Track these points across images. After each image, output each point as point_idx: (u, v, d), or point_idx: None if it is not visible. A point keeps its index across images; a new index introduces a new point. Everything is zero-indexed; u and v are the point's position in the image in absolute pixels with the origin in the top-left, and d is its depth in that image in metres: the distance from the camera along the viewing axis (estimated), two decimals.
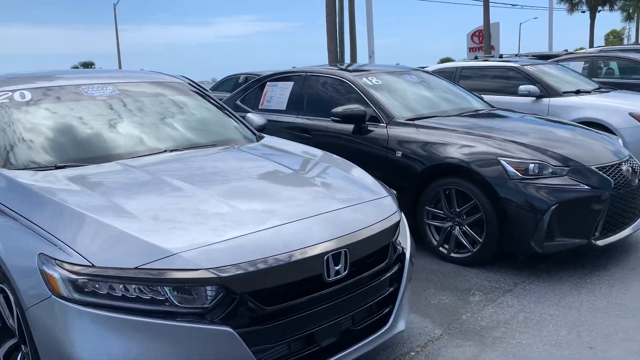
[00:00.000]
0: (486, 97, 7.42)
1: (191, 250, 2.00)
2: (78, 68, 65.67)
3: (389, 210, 2.62)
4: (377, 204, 2.63)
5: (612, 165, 3.96)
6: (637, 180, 4.06)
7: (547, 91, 6.98)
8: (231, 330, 1.97)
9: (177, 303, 1.97)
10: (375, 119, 4.66)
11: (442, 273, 3.95)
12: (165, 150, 3.07)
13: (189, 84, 4.10)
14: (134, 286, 1.95)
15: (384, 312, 2.51)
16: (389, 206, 2.65)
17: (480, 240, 3.93)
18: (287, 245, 2.12)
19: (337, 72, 5.17)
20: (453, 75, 7.99)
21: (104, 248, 2.01)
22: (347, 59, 25.56)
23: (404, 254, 2.64)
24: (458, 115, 4.83)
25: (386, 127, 4.55)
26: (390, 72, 5.36)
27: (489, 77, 7.71)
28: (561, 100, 6.85)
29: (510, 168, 3.79)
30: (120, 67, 45.36)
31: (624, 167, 4.01)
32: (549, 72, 7.51)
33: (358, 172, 3.02)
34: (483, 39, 25.61)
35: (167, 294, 1.97)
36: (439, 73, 8.17)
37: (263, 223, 2.20)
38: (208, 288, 2.00)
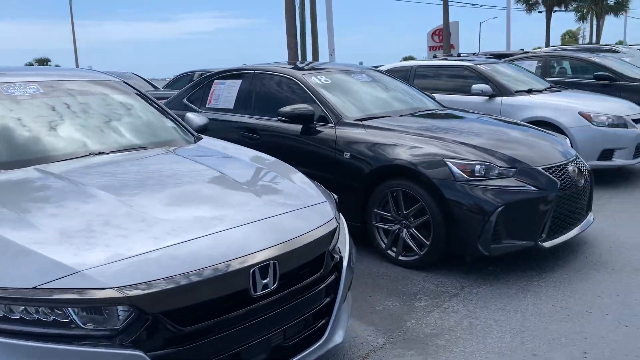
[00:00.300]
0: (441, 97, 7.42)
1: (98, 267, 1.83)
2: (32, 65, 63.66)
3: (326, 216, 2.49)
4: (313, 210, 2.50)
5: (558, 166, 3.94)
6: (582, 181, 4.05)
7: (500, 90, 7.00)
8: (142, 354, 1.80)
9: (82, 325, 1.79)
10: (323, 119, 4.54)
11: (390, 277, 3.86)
12: (90, 154, 2.87)
13: (124, 82, 3.88)
14: (33, 308, 1.76)
15: (319, 325, 2.38)
16: (326, 212, 2.52)
17: (428, 243, 3.85)
18: (208, 259, 1.97)
19: (286, 71, 5.02)
20: (408, 75, 7.96)
21: None
22: (310, 57, 25.41)
23: (341, 262, 2.51)
24: (409, 115, 4.75)
25: (334, 128, 4.43)
26: (341, 71, 5.25)
27: (444, 77, 7.70)
28: (513, 100, 6.88)
29: (456, 169, 3.72)
30: (77, 63, 44.04)
31: (570, 168, 3.99)
32: (502, 72, 7.54)
33: (296, 176, 2.88)
34: (443, 38, 25.89)
35: (72, 316, 1.79)
36: (394, 72, 8.15)
37: (182, 235, 2.04)
38: (119, 308, 1.83)
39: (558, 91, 7.38)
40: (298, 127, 4.59)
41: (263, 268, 2.07)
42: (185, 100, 5.92)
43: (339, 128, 4.41)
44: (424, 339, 3.01)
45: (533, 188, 3.71)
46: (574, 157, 4.17)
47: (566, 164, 4.00)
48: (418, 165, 3.84)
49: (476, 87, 6.97)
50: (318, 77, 4.91)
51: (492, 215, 3.58)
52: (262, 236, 2.15)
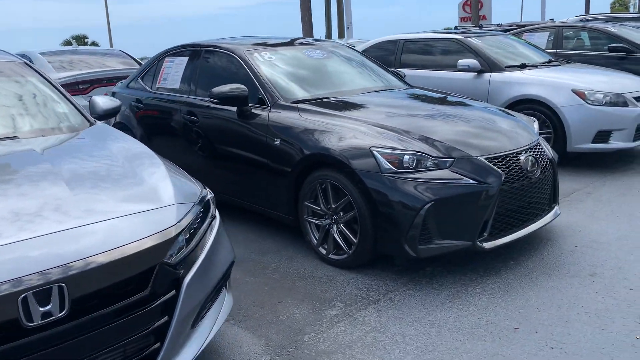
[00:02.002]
0: (427, 73, 6.91)
1: None
2: (70, 42, 64.65)
3: (160, 224, 2.12)
4: (144, 217, 2.13)
5: (507, 155, 3.45)
6: (538, 172, 3.54)
7: (489, 65, 6.41)
8: None
9: None
10: (261, 101, 4.13)
11: (314, 278, 3.48)
12: None
13: (25, 63, 3.56)
14: None
15: (147, 353, 2.04)
16: (163, 219, 2.15)
17: (356, 241, 3.45)
18: None
19: (229, 47, 4.61)
20: (396, 50, 7.42)
21: None
22: (324, 30, 24.76)
23: (183, 276, 2.15)
24: (358, 96, 4.28)
25: (269, 111, 4.03)
26: (293, 46, 4.80)
27: (432, 51, 7.13)
28: (503, 76, 6.29)
29: (382, 160, 3.28)
30: (110, 41, 44.35)
31: (522, 158, 3.49)
32: (495, 45, 6.92)
33: (154, 174, 2.49)
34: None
35: None
36: (381, 47, 7.63)
37: None
38: None
39: (557, 66, 6.72)
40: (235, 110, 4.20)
41: (42, 293, 1.73)
42: (139, 80, 5.60)
43: (273, 111, 4.01)
44: (314, 357, 2.63)
45: (471, 181, 3.24)
46: (532, 145, 3.65)
47: (517, 153, 3.50)
48: (343, 154, 3.41)
49: (462, 62, 6.40)
50: (262, 53, 4.49)
51: (420, 212, 3.14)
52: (48, 254, 1.80)
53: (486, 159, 3.35)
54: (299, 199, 3.77)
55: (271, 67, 4.36)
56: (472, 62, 6.36)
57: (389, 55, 7.47)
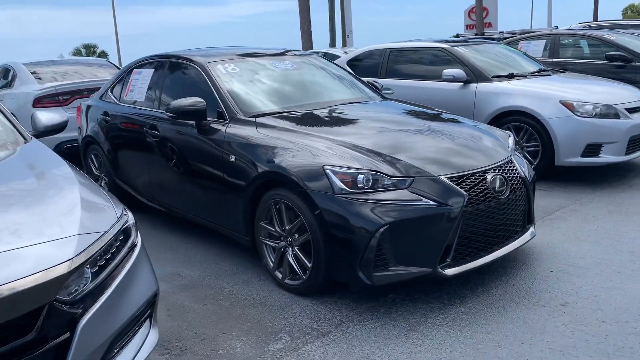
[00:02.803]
0: (412, 83, 6.69)
1: None
2: (80, 51, 65.08)
3: (48, 261, 1.89)
4: (28, 251, 1.91)
5: (472, 174, 3.20)
6: (507, 192, 3.29)
7: (475, 75, 6.16)
8: None
9: None
10: (221, 115, 3.92)
11: (265, 306, 3.25)
12: None
13: None
14: None
15: None
16: (56, 254, 1.93)
17: (309, 266, 3.21)
18: None
19: (193, 58, 4.41)
20: (382, 59, 7.20)
21: None
22: (328, 40, 24.62)
23: (80, 316, 1.93)
24: (324, 109, 4.06)
25: (226, 126, 3.82)
26: (260, 57, 4.59)
27: (418, 61, 6.90)
28: (489, 86, 6.04)
29: (335, 180, 3.05)
30: (118, 50, 44.52)
31: (489, 176, 3.24)
32: (483, 54, 6.68)
33: (63, 201, 2.28)
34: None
35: None
36: (366, 56, 7.42)
37: None
38: None
39: (547, 75, 6.46)
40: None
41: None
42: (109, 92, 5.42)
43: (231, 126, 3.79)
44: None
45: (431, 202, 3.00)
46: (502, 163, 3.40)
47: (484, 172, 3.26)
48: (295, 173, 3.19)
49: (447, 72, 6.16)
50: (225, 65, 4.29)
51: (374, 236, 2.91)
52: None
53: (449, 178, 3.11)
54: (255, 220, 3.55)
55: (233, 79, 4.15)
56: (457, 71, 6.12)
57: (375, 65, 7.26)
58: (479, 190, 3.16)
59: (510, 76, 6.18)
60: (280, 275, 3.44)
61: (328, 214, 3.02)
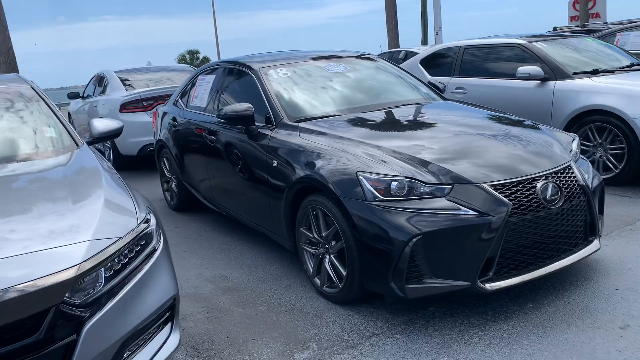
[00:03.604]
0: (486, 82, 6.38)
1: None
2: (185, 57, 68.84)
3: (59, 263, 1.98)
4: (40, 255, 2.00)
5: (520, 182, 2.96)
6: (561, 201, 3.01)
7: (554, 72, 5.74)
8: None
9: None
10: (269, 120, 3.95)
11: (300, 313, 3.22)
12: None
13: (31, 87, 3.66)
14: None
15: None
16: (65, 257, 2.01)
17: (344, 274, 3.14)
18: None
19: (247, 63, 4.47)
20: (455, 57, 6.91)
21: None
22: (420, 36, 24.13)
23: (87, 319, 2.00)
24: (374, 111, 3.96)
25: (272, 130, 3.83)
26: (314, 61, 4.56)
27: (493, 58, 6.54)
28: (569, 84, 5.59)
29: (368, 186, 2.95)
30: (218, 54, 46.67)
31: (539, 185, 2.98)
32: (566, 49, 6.20)
33: (85, 207, 2.37)
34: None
35: None
36: (438, 55, 7.17)
37: None
38: None
39: (639, 70, 5.87)
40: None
41: None
42: (178, 98, 5.65)
43: (276, 130, 3.80)
44: None
45: (471, 212, 2.82)
46: (557, 169, 3.12)
47: (534, 179, 3.00)
48: (329, 179, 3.12)
49: (522, 69, 5.78)
50: (277, 70, 4.31)
51: (407, 247, 2.77)
52: None
53: (492, 185, 2.90)
54: (295, 225, 3.52)
55: (283, 84, 4.15)
56: (533, 69, 5.73)
57: (449, 63, 6.99)
58: (527, 199, 2.92)
59: (595, 72, 5.68)
60: (319, 282, 3.40)
61: (360, 222, 2.93)
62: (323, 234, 3.27)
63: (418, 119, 3.86)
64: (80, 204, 2.39)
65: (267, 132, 3.85)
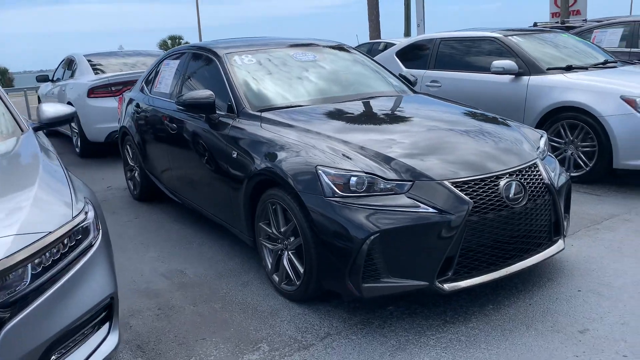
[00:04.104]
0: (461, 75, 6.29)
1: None
2: (166, 42, 67.93)
3: None
4: None
5: (482, 179, 2.86)
6: (525, 201, 2.92)
7: (528, 67, 5.66)
8: None
9: None
10: (230, 109, 3.79)
11: (255, 311, 3.09)
12: None
13: None
14: None
15: None
16: None
17: (302, 272, 3.02)
18: None
19: (212, 49, 4.30)
20: (431, 49, 6.80)
21: None
22: (402, 29, 24.01)
23: (5, 321, 1.85)
24: (338, 103, 3.83)
25: (234, 120, 3.68)
26: (281, 48, 4.40)
27: (469, 52, 6.44)
28: (543, 79, 5.53)
29: (326, 181, 2.82)
30: (200, 40, 46.11)
31: (502, 183, 2.89)
32: (542, 44, 6.14)
33: (15, 199, 2.21)
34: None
35: None
36: (417, 46, 7.06)
37: None
38: None
39: (612, 67, 5.83)
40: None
41: None
42: (143, 84, 5.46)
43: (238, 120, 3.66)
44: None
45: (431, 210, 2.71)
46: (522, 167, 3.02)
47: (497, 177, 2.90)
48: (288, 172, 2.99)
49: (497, 63, 5.69)
50: (242, 56, 4.15)
51: (363, 245, 2.66)
52: None
53: (453, 183, 2.79)
54: (255, 220, 3.39)
55: (248, 71, 4.00)
56: (507, 63, 5.65)
57: (425, 56, 6.88)
58: (489, 198, 2.82)
59: (568, 68, 5.62)
60: (277, 279, 3.27)
61: (318, 218, 2.81)
62: (282, 230, 3.14)
63: (385, 112, 3.74)
64: (9, 195, 2.23)
65: (229, 121, 3.70)
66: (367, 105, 3.83)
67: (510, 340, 2.65)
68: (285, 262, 3.17)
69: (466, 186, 2.81)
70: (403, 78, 4.64)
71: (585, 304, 2.95)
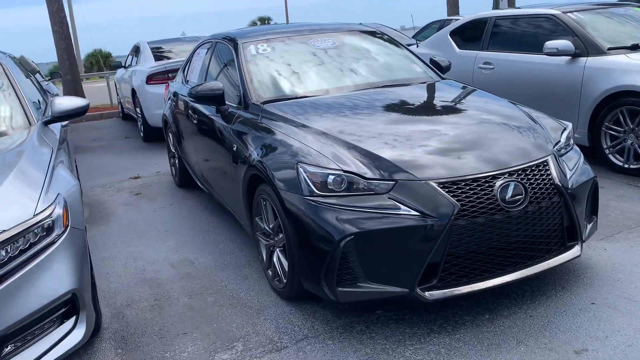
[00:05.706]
0: (514, 57, 5.87)
1: None
2: (256, 23, 69.68)
3: None
4: None
5: (474, 180, 2.62)
6: (525, 204, 2.64)
7: (586, 47, 5.13)
8: None
9: None
10: (240, 101, 3.75)
11: (244, 307, 3.07)
12: None
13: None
14: None
15: None
16: None
17: (286, 270, 2.94)
18: None
19: (232, 38, 4.26)
20: (485, 29, 6.36)
21: None
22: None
23: None
24: (349, 92, 3.67)
25: (240, 112, 3.64)
26: (298, 36, 4.25)
27: (524, 30, 5.95)
28: (602, 60, 4.99)
29: (305, 179, 2.71)
30: (287, 21, 46.59)
31: (497, 184, 2.62)
32: (609, 21, 5.53)
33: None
34: None
35: None
36: (471, 25, 6.65)
37: None
38: None
39: None
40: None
41: None
42: (180, 73, 5.56)
43: (242, 112, 3.61)
44: None
45: (413, 212, 2.52)
46: (526, 166, 2.73)
47: (494, 177, 2.64)
48: (271, 169, 2.91)
49: (550, 44, 5.21)
50: (258, 45, 4.08)
51: (337, 247, 2.53)
52: None
53: (440, 184, 2.58)
54: (252, 214, 3.35)
55: (260, 61, 3.92)
56: (562, 43, 5.15)
57: (478, 36, 6.46)
58: (480, 200, 2.58)
59: (634, 47, 5.03)
60: (270, 275, 3.22)
61: (295, 217, 2.71)
62: (270, 226, 3.08)
63: (389, 103, 3.51)
64: None
65: (236, 113, 3.66)
66: (375, 95, 3.63)
67: (492, 356, 2.43)
68: (274, 259, 3.10)
69: (454, 187, 2.58)
70: (433, 63, 4.36)
71: (594, 320, 2.64)
